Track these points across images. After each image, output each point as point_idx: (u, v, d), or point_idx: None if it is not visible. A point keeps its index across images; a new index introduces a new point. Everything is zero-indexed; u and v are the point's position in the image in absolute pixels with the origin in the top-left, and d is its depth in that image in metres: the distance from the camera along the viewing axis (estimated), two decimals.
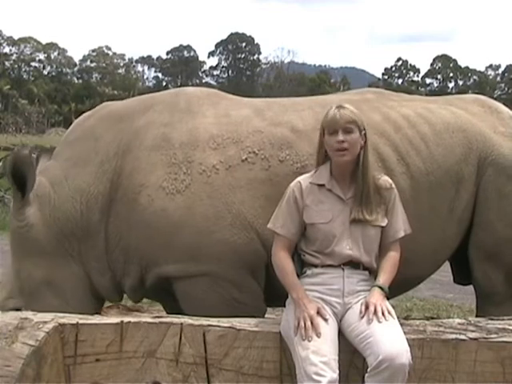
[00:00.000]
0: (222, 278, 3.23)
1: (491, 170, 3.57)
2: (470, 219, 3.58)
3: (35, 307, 3.06)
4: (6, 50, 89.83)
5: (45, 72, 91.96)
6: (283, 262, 2.86)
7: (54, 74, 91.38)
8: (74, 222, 3.37)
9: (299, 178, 2.96)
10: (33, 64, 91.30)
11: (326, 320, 2.69)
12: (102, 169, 3.40)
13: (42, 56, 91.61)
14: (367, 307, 2.70)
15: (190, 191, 3.26)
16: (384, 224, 2.88)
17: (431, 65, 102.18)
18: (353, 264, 2.85)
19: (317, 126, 3.32)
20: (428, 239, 3.44)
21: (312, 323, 2.65)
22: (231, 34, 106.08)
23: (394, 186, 2.96)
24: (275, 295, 3.26)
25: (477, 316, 3.59)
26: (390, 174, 3.31)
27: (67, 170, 3.45)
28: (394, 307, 2.81)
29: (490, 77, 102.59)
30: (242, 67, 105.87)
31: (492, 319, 3.02)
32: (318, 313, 2.70)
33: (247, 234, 3.24)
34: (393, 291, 3.30)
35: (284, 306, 2.91)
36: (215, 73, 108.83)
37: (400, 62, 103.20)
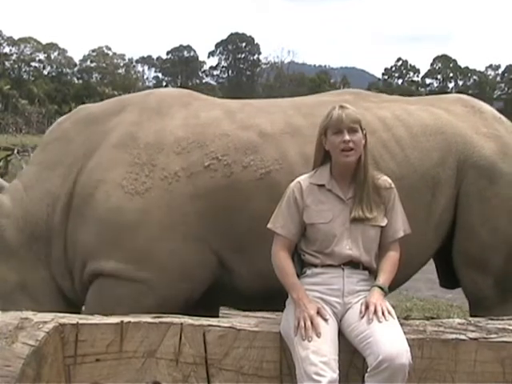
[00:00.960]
0: (156, 290, 3.18)
1: (472, 172, 3.45)
2: (450, 223, 3.48)
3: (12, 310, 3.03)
4: (6, 50, 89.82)
5: (45, 72, 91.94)
6: (283, 262, 2.86)
7: (54, 74, 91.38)
8: (43, 225, 3.36)
9: (299, 179, 2.95)
10: (33, 64, 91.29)
11: (326, 320, 2.69)
12: (70, 170, 3.39)
13: (42, 56, 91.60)
14: (367, 307, 2.70)
15: (150, 195, 3.21)
16: (383, 224, 2.88)
17: (431, 65, 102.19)
18: (353, 264, 2.85)
19: (286, 130, 3.36)
20: (404, 244, 3.31)
21: (312, 323, 2.65)
22: (231, 34, 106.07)
23: (393, 185, 2.96)
24: (245, 300, 3.30)
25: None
26: None
27: (39, 173, 3.44)
28: (394, 307, 2.81)
29: (490, 77, 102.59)
30: (242, 67, 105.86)
31: (492, 319, 3.02)
32: (318, 313, 2.70)
33: (199, 246, 3.20)
34: None
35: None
36: (215, 73, 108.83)
37: (400, 62, 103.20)
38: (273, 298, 3.24)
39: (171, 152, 3.29)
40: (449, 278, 3.73)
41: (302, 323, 2.65)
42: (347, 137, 2.81)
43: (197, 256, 3.20)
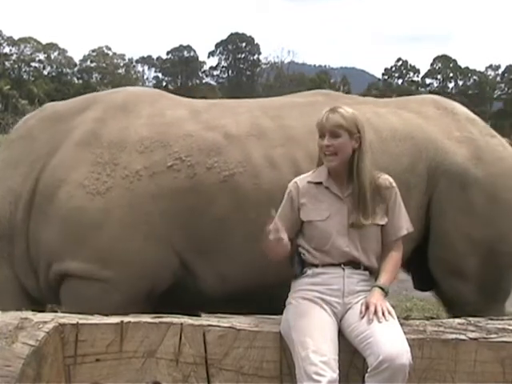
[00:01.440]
0: (122, 287, 3.17)
1: (444, 180, 3.36)
2: (421, 229, 3.38)
3: None
4: (6, 50, 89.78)
5: (45, 72, 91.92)
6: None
7: (54, 74, 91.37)
8: (5, 223, 3.34)
9: (296, 178, 2.97)
10: (33, 64, 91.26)
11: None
12: (32, 168, 3.36)
13: (42, 56, 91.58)
14: (367, 307, 2.70)
15: (111, 195, 3.19)
16: (383, 222, 2.89)
17: (431, 65, 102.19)
18: (353, 264, 2.85)
19: (251, 132, 3.32)
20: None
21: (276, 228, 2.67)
22: (231, 34, 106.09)
23: (394, 184, 2.96)
24: (207, 302, 3.28)
25: None
26: None
27: (2, 171, 3.42)
28: (393, 307, 2.81)
29: (490, 77, 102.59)
30: (242, 67, 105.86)
31: (492, 319, 3.02)
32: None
33: (161, 247, 3.17)
34: None
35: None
36: (215, 73, 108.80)
37: (400, 62, 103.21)
38: (236, 301, 3.26)
39: (134, 151, 3.26)
40: (423, 281, 3.66)
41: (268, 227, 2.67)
42: (326, 141, 2.83)
43: (158, 255, 3.17)
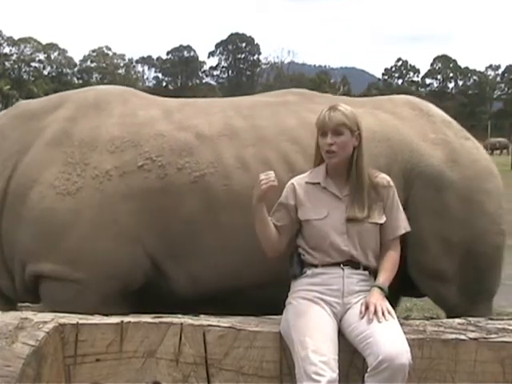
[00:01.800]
0: (95, 287, 3.16)
1: (419, 182, 3.29)
2: None
3: None
4: (6, 50, 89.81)
5: (45, 72, 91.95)
6: None
7: (54, 74, 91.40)
8: None
9: (293, 179, 2.97)
10: (33, 64, 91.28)
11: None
12: (4, 167, 3.34)
13: (42, 56, 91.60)
14: (367, 307, 2.70)
15: (81, 195, 3.17)
16: (381, 221, 2.89)
17: (431, 65, 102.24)
18: (352, 264, 2.85)
19: (223, 132, 3.29)
20: None
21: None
22: (231, 34, 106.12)
23: (392, 183, 2.97)
24: (179, 303, 3.23)
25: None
26: None
27: None
28: (393, 307, 2.81)
29: (490, 77, 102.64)
30: (242, 67, 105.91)
31: (492, 319, 3.02)
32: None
33: (131, 247, 3.16)
34: None
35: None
36: (215, 73, 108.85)
37: (400, 62, 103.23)
38: (207, 302, 3.25)
39: (104, 150, 3.24)
40: (408, 287, 3.50)
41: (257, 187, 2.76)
42: (329, 139, 2.83)
43: (129, 256, 3.16)
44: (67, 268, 3.15)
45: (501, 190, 3.55)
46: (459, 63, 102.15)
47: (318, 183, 2.92)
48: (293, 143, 3.28)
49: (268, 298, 3.19)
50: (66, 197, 3.18)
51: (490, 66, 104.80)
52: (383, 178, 2.96)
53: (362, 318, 2.68)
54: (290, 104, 3.49)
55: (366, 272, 2.88)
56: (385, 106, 3.59)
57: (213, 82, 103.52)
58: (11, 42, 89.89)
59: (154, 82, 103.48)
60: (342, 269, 2.84)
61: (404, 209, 3.07)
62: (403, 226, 2.96)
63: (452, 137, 3.49)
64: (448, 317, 3.39)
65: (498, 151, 43.75)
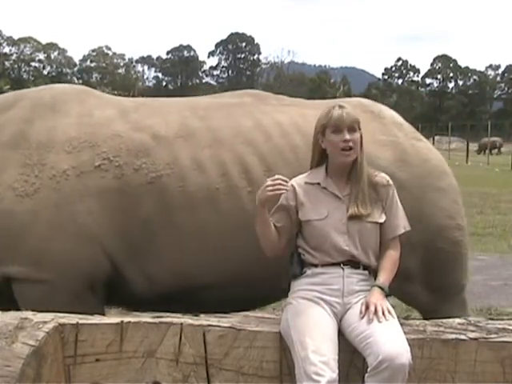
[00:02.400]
0: (61, 287, 3.17)
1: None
2: None
3: None
4: (6, 50, 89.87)
5: (45, 72, 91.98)
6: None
7: (54, 74, 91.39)
8: None
9: (292, 180, 2.96)
10: (33, 64, 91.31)
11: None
12: None
13: (41, 56, 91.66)
14: (367, 307, 2.70)
15: (39, 196, 3.18)
16: (381, 221, 2.89)
17: (431, 65, 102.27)
18: (353, 264, 2.85)
19: (179, 133, 3.31)
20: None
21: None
22: (231, 34, 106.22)
23: (391, 182, 2.96)
24: (137, 302, 3.30)
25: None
26: (255, 186, 3.13)
27: None
28: (393, 307, 2.81)
29: (490, 77, 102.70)
30: (242, 67, 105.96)
31: (492, 319, 3.02)
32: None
33: (90, 246, 3.17)
34: (250, 304, 3.35)
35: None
36: (215, 73, 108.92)
37: (400, 62, 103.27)
38: (165, 302, 3.26)
39: (62, 151, 3.25)
40: None
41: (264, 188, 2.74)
42: (348, 136, 2.82)
43: (89, 255, 3.17)
44: (32, 269, 3.16)
45: (455, 187, 3.61)
46: (459, 63, 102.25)
47: (318, 183, 2.92)
48: (248, 145, 3.32)
49: (224, 298, 3.26)
50: (25, 198, 3.19)
51: (490, 66, 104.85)
52: (383, 177, 2.97)
53: (363, 317, 2.68)
54: (246, 105, 3.53)
55: (366, 272, 2.87)
56: None
57: (213, 82, 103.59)
58: (11, 41, 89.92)
59: (154, 81, 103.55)
60: (342, 268, 2.83)
61: None
62: (403, 225, 2.96)
63: (402, 138, 3.52)
64: (424, 318, 3.38)
65: (495, 150, 43.72)
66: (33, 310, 2.88)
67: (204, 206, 3.15)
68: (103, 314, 3.27)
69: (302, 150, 3.32)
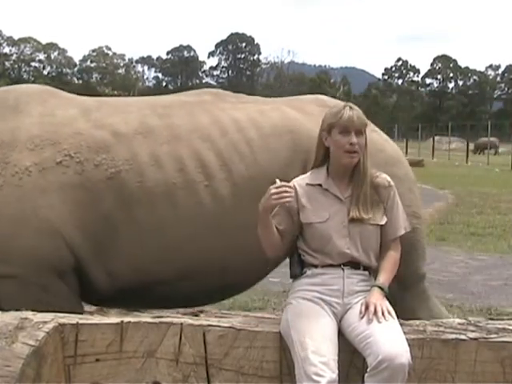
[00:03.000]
0: (29, 281, 3.20)
1: None
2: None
3: None
4: (6, 50, 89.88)
5: (45, 72, 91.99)
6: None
7: (54, 74, 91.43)
8: None
9: (294, 180, 2.94)
10: (33, 64, 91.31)
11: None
12: None
13: (41, 56, 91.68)
14: (367, 307, 2.70)
15: (2, 193, 3.22)
16: (383, 222, 2.88)
17: (431, 65, 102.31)
18: (353, 264, 2.85)
19: (139, 130, 3.37)
20: (249, 248, 3.27)
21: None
22: (231, 34, 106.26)
23: (392, 183, 2.96)
24: (99, 297, 3.34)
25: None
26: (211, 180, 3.26)
27: None
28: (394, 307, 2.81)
29: (490, 77, 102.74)
30: (242, 67, 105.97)
31: (492, 319, 3.02)
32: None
33: (53, 240, 3.21)
34: (209, 298, 3.42)
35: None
36: (215, 73, 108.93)
37: (400, 62, 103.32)
38: (126, 298, 3.35)
39: (24, 149, 3.30)
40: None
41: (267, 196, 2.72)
42: (355, 139, 2.80)
43: (53, 249, 3.22)
44: (1, 265, 3.20)
45: (411, 176, 3.67)
46: (459, 63, 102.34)
47: (320, 185, 2.90)
48: (204, 141, 3.37)
49: (185, 293, 3.33)
50: None
51: (490, 66, 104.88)
52: (384, 178, 2.96)
53: (362, 317, 2.68)
54: (205, 103, 3.59)
55: (366, 272, 2.87)
56: (293, 103, 3.71)
57: (213, 82, 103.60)
58: (11, 41, 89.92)
59: (154, 81, 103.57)
60: (343, 269, 2.83)
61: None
62: (404, 226, 2.95)
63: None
64: None
65: (492, 151, 43.58)
66: (6, 306, 2.94)
67: (162, 201, 3.21)
68: (81, 306, 3.37)
69: (256, 143, 3.40)
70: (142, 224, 3.25)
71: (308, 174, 2.98)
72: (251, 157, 3.37)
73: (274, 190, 2.74)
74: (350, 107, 2.87)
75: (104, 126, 3.38)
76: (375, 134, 3.64)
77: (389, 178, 2.96)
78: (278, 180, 2.79)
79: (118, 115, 3.45)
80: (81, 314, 3.23)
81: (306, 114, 3.60)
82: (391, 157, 3.60)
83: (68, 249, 3.22)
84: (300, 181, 2.94)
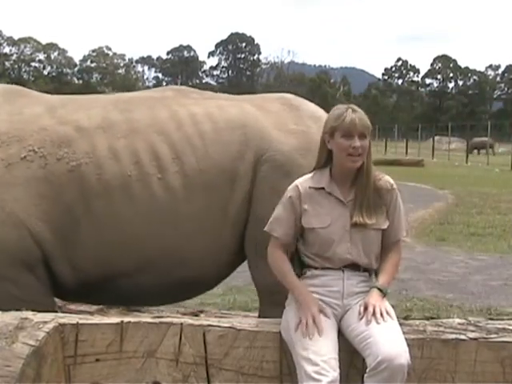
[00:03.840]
0: (3, 275, 3.27)
1: (267, 166, 3.45)
2: (246, 219, 3.47)
3: None
4: (6, 50, 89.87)
5: (45, 72, 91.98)
6: (279, 262, 2.85)
7: (54, 74, 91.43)
8: None
9: (297, 182, 2.90)
10: (33, 64, 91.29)
11: (327, 317, 2.69)
12: None
13: (42, 56, 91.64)
14: (366, 308, 2.70)
15: None
16: (385, 227, 2.86)
17: (431, 65, 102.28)
18: (352, 266, 2.83)
19: (101, 125, 3.47)
20: (203, 239, 3.39)
21: (314, 321, 2.64)
22: (231, 34, 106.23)
23: (395, 186, 2.93)
24: (65, 291, 3.41)
25: (259, 317, 3.46)
26: (164, 173, 3.36)
27: None
28: (393, 307, 2.80)
29: (490, 77, 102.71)
30: (242, 67, 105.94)
31: (492, 319, 3.02)
32: (320, 311, 2.70)
33: (19, 232, 3.29)
34: (172, 295, 3.42)
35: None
36: (215, 73, 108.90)
37: (400, 62, 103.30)
38: (91, 292, 3.43)
39: None
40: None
41: (303, 320, 2.65)
42: (358, 143, 2.76)
43: (19, 242, 3.29)
44: None
45: None
46: (459, 63, 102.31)
47: (323, 188, 2.86)
48: (160, 134, 3.44)
49: (146, 287, 3.36)
50: None
51: (490, 66, 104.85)
52: (386, 181, 2.91)
53: (361, 318, 2.67)
54: (166, 99, 3.66)
55: (366, 273, 2.86)
56: (255, 101, 3.76)
57: (213, 82, 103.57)
58: (11, 41, 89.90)
59: (154, 81, 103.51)
60: (342, 271, 2.82)
61: (251, 189, 3.32)
62: (405, 228, 2.94)
63: (315, 129, 3.54)
64: (263, 305, 3.48)
65: (484, 151, 43.38)
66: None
67: (118, 193, 3.30)
68: (53, 300, 3.43)
69: (209, 135, 3.47)
70: (101, 216, 3.33)
71: (311, 174, 2.92)
72: (203, 149, 3.44)
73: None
74: (353, 109, 2.81)
75: (68, 122, 3.47)
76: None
77: (391, 181, 2.92)
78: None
79: (83, 111, 3.54)
80: (52, 307, 3.36)
81: (266, 111, 3.63)
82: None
83: (34, 241, 3.29)
84: (304, 183, 2.89)
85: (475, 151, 43.52)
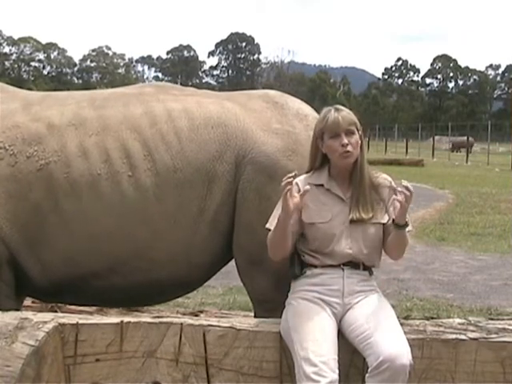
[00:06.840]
0: None
1: (250, 168, 3.29)
2: (228, 220, 3.34)
3: None
4: (6, 49, 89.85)
5: (45, 72, 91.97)
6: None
7: (53, 73, 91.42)
8: None
9: (296, 179, 2.89)
10: (33, 64, 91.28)
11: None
12: None
13: (41, 56, 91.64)
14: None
15: None
16: (384, 221, 2.88)
17: (431, 65, 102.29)
18: (353, 264, 2.84)
19: (72, 122, 3.40)
20: (176, 239, 3.28)
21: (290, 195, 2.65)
22: (231, 33, 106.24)
23: (393, 183, 2.94)
24: (38, 291, 3.39)
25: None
26: (134, 171, 3.24)
27: None
28: (393, 307, 2.81)
29: (490, 77, 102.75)
30: (242, 67, 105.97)
31: (492, 319, 3.02)
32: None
33: None
34: (146, 296, 3.39)
35: None
36: (215, 73, 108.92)
37: (400, 62, 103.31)
38: (60, 292, 3.39)
39: None
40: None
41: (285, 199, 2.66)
42: (345, 140, 2.80)
43: None
44: None
45: None
46: (459, 63, 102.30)
47: (322, 185, 2.90)
48: (132, 131, 3.35)
49: (117, 287, 3.33)
50: None
51: (490, 66, 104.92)
52: (384, 178, 2.95)
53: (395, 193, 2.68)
54: (144, 95, 3.56)
55: (367, 272, 2.87)
56: (238, 98, 3.61)
57: (213, 82, 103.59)
58: (11, 41, 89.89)
59: (154, 81, 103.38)
60: (342, 269, 2.83)
61: (235, 194, 3.22)
62: (410, 222, 2.94)
63: (300, 129, 3.45)
64: (257, 310, 3.38)
65: (465, 150, 43.32)
66: None
67: (87, 191, 3.24)
68: (17, 304, 3.39)
69: (185, 133, 3.34)
70: (70, 215, 3.27)
71: (309, 174, 2.96)
72: (178, 147, 3.31)
73: (284, 191, 2.67)
74: (336, 109, 2.86)
75: (41, 119, 3.41)
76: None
77: (390, 179, 2.96)
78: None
79: (56, 108, 3.47)
80: (17, 309, 3.32)
81: (248, 109, 3.50)
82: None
83: (4, 244, 3.25)
84: (303, 180, 2.92)
85: (455, 150, 44.05)
